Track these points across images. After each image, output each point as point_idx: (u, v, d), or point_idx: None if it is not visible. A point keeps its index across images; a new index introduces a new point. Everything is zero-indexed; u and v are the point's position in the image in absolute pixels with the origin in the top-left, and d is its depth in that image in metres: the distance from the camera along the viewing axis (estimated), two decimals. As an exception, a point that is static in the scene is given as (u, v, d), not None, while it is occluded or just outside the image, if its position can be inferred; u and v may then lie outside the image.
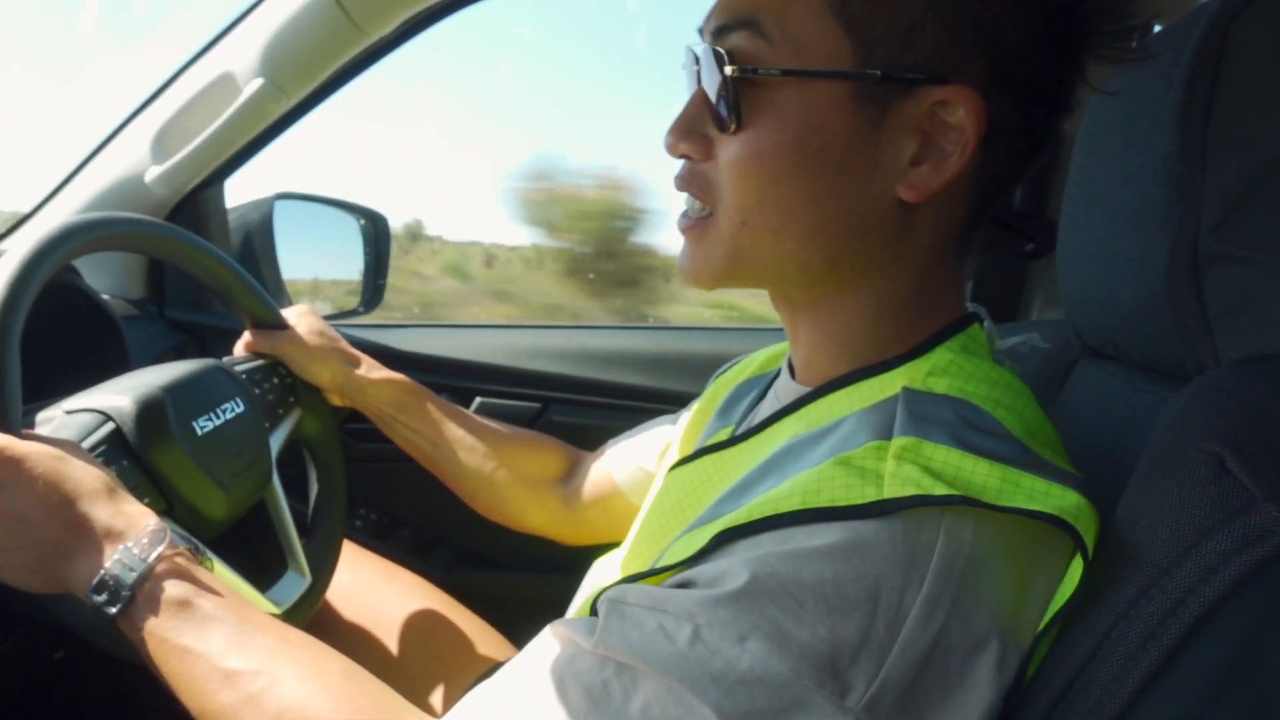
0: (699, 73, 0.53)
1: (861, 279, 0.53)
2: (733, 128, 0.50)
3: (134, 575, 0.56)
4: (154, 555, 0.57)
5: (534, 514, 0.93)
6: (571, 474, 0.95)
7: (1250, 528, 0.37)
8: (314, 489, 0.96)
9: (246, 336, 0.93)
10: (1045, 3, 0.48)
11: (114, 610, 0.56)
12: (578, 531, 0.93)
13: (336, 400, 0.96)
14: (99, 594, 0.56)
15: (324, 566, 0.93)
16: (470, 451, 0.93)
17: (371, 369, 0.94)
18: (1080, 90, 0.52)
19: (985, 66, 0.48)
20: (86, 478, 0.60)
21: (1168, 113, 0.52)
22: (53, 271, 0.67)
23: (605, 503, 0.88)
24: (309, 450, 0.96)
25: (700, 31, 0.54)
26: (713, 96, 0.51)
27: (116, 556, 0.56)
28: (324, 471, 0.96)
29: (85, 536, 0.58)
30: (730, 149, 0.51)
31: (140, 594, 0.56)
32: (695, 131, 0.53)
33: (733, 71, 0.49)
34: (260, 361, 0.91)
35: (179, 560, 0.58)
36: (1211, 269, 0.50)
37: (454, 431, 0.93)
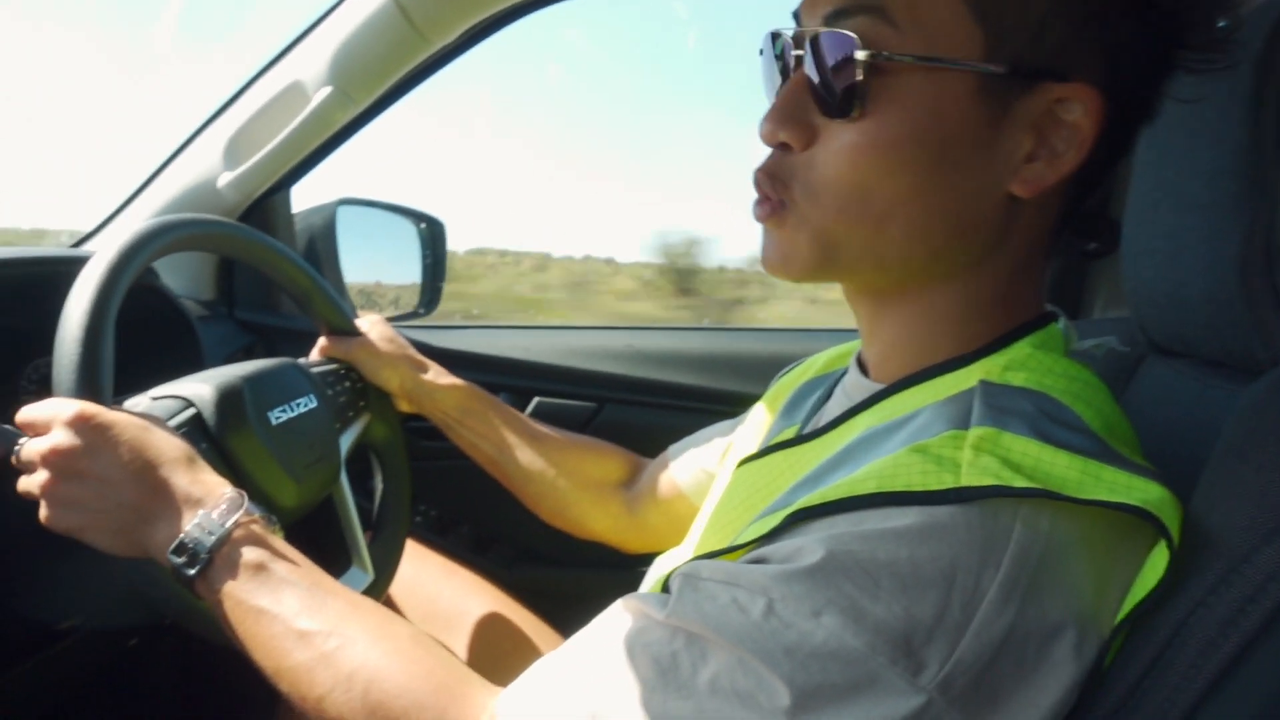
0: (797, 58, 0.51)
1: (961, 273, 0.53)
2: (856, 114, 0.48)
3: (212, 539, 0.58)
4: (231, 521, 0.59)
5: (597, 519, 0.94)
6: (633, 479, 0.96)
7: None
8: (379, 489, 0.99)
9: (322, 341, 0.96)
10: (1155, 7, 0.47)
11: (193, 572, 0.58)
12: (640, 536, 0.93)
13: (404, 405, 0.98)
14: (179, 556, 0.58)
15: (387, 565, 0.95)
16: (533, 457, 0.94)
17: (439, 375, 0.96)
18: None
19: (1102, 66, 0.48)
20: (168, 446, 0.63)
21: (1238, 105, 0.51)
22: (148, 261, 0.72)
23: (668, 506, 0.89)
24: (376, 454, 0.98)
25: (796, 16, 0.53)
26: (826, 82, 0.49)
27: (196, 521, 0.59)
28: (390, 475, 0.99)
29: (166, 501, 0.60)
30: (843, 137, 0.49)
31: (218, 557, 0.58)
32: (797, 119, 0.51)
33: (865, 55, 0.47)
34: (333, 365, 0.94)
35: (254, 527, 0.60)
36: None
37: (517, 437, 0.95)
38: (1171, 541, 0.42)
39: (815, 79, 0.50)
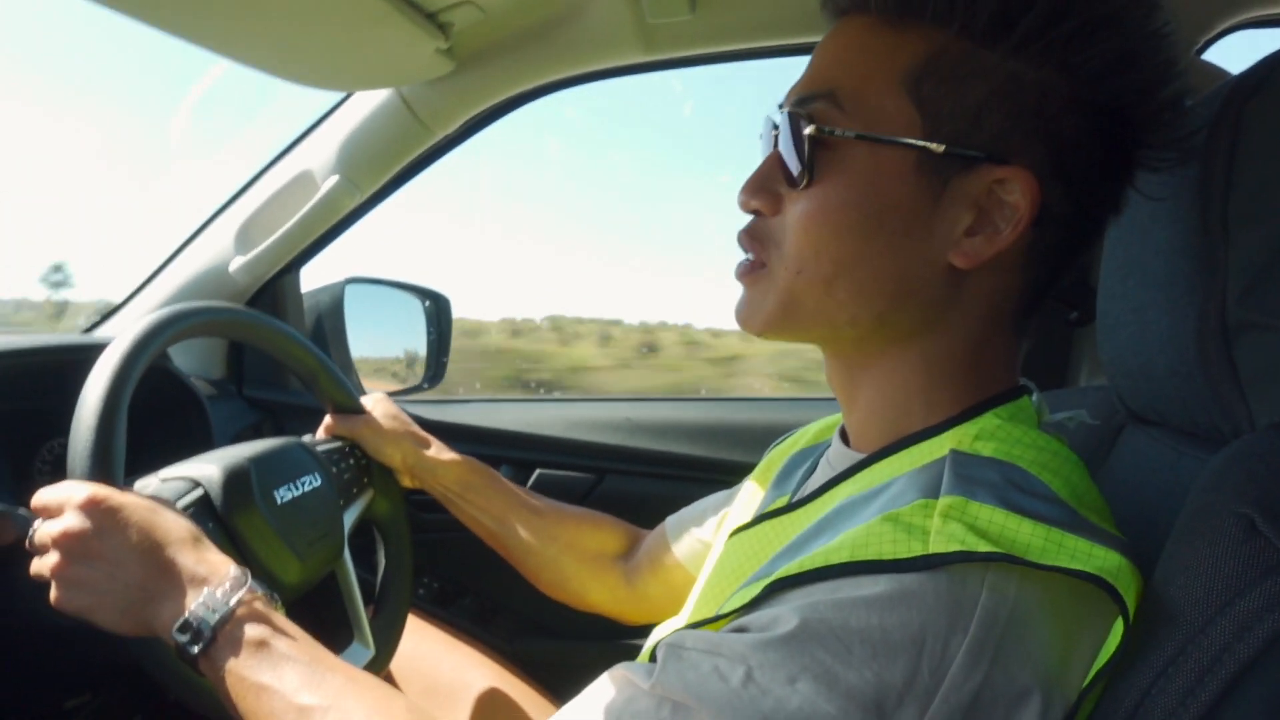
0: (776, 138, 0.57)
1: (909, 339, 0.56)
2: (804, 183, 0.54)
3: (216, 617, 0.60)
4: (235, 599, 0.61)
5: (595, 591, 0.95)
6: (631, 551, 0.97)
7: None
8: (381, 564, 1.00)
9: (327, 420, 0.98)
10: (1102, 107, 0.51)
11: (197, 649, 0.60)
12: (638, 607, 0.94)
13: (407, 481, 1.00)
14: (183, 634, 0.60)
15: (388, 640, 0.96)
16: (533, 530, 0.95)
17: (440, 450, 0.98)
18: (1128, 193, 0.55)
19: (1044, 154, 0.51)
20: (175, 527, 0.65)
21: (1189, 188, 0.54)
22: (161, 349, 0.75)
23: (666, 577, 0.90)
24: (379, 530, 1.00)
25: (781, 106, 0.59)
26: (787, 156, 0.55)
27: (200, 600, 0.61)
28: (392, 550, 1.01)
29: (172, 580, 0.62)
30: (799, 204, 0.55)
31: (221, 635, 0.60)
32: (767, 189, 0.57)
33: (811, 131, 0.53)
34: (338, 444, 0.97)
35: (257, 604, 0.62)
36: (1242, 337, 0.51)
37: (517, 511, 0.96)
38: (1125, 610, 0.44)
39: (781, 153, 0.56)
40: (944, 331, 0.56)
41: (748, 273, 0.58)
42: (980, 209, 0.52)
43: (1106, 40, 0.50)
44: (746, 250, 0.59)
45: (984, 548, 0.43)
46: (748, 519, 0.68)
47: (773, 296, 0.56)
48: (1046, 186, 0.51)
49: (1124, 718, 0.42)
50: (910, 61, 0.52)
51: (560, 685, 1.06)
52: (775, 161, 0.57)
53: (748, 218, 0.59)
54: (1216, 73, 1.04)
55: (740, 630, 0.48)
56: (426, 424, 1.03)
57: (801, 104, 0.55)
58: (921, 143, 0.52)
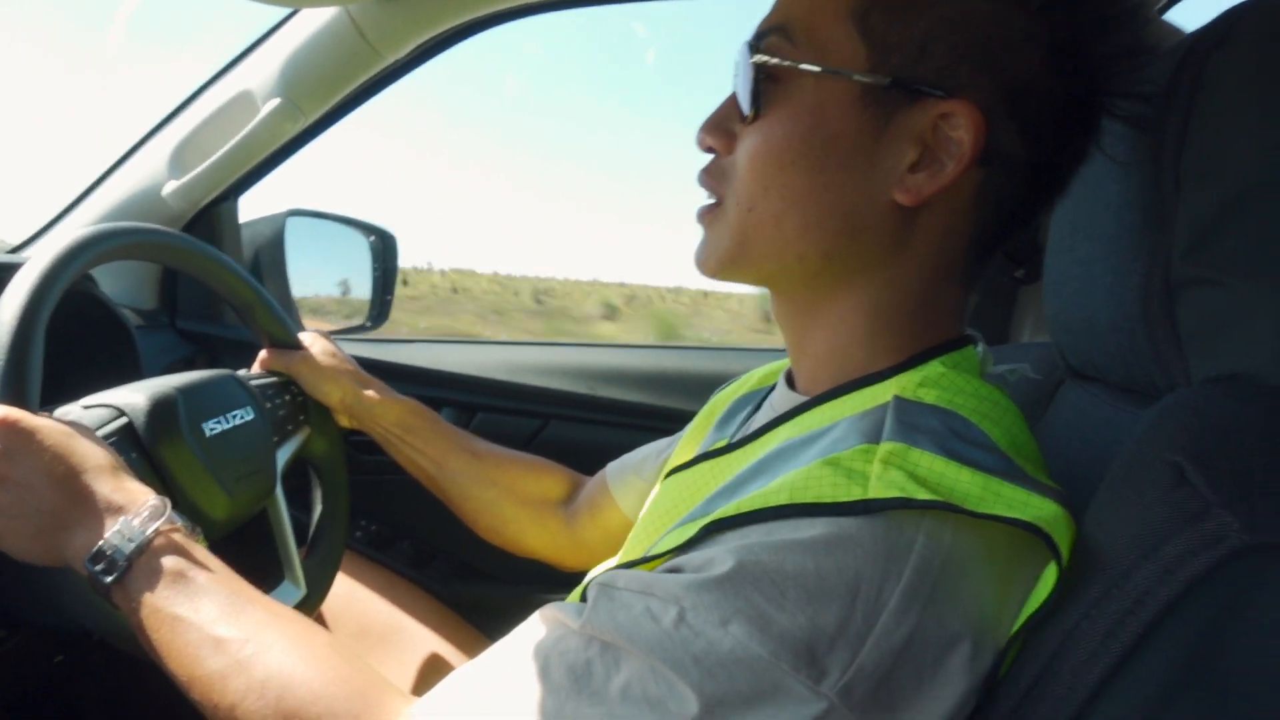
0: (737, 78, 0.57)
1: (857, 280, 0.55)
2: (751, 116, 0.54)
3: (132, 546, 0.58)
4: (152, 529, 0.58)
5: (534, 536, 0.95)
6: (571, 496, 0.97)
7: (1206, 533, 0.39)
8: (317, 504, 0.98)
9: (263, 354, 0.95)
10: (1059, 44, 0.50)
11: (110, 579, 0.57)
12: (577, 554, 0.94)
13: (344, 421, 0.98)
14: (96, 564, 0.58)
15: (321, 581, 0.94)
16: (472, 474, 0.94)
17: (380, 391, 0.96)
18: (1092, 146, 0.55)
19: (994, 90, 0.50)
20: (92, 453, 0.62)
21: (1144, 144, 0.54)
22: (83, 270, 0.71)
23: (605, 523, 0.90)
24: (315, 469, 0.98)
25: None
26: (740, 92, 0.55)
27: (116, 528, 0.58)
28: (328, 490, 0.98)
29: (87, 508, 0.60)
30: (748, 139, 0.55)
31: (136, 565, 0.57)
32: (722, 127, 0.57)
33: (755, 61, 0.53)
34: (273, 379, 0.94)
35: (175, 535, 0.60)
36: (1183, 292, 0.52)
37: (457, 454, 0.95)
38: (1060, 558, 0.44)
39: (736, 94, 0.56)
40: (892, 273, 0.55)
41: (706, 214, 0.58)
42: (925, 144, 0.52)
43: None
44: (706, 189, 0.58)
45: (923, 495, 0.43)
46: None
47: (727, 236, 0.56)
48: (997, 125, 0.51)
49: (1049, 657, 0.43)
50: None
51: (496, 629, 1.05)
52: (731, 101, 0.57)
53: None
54: (1176, 33, 1.04)
55: (674, 571, 0.47)
56: (368, 364, 1.00)
57: (758, 39, 0.55)
58: (864, 75, 0.51)
